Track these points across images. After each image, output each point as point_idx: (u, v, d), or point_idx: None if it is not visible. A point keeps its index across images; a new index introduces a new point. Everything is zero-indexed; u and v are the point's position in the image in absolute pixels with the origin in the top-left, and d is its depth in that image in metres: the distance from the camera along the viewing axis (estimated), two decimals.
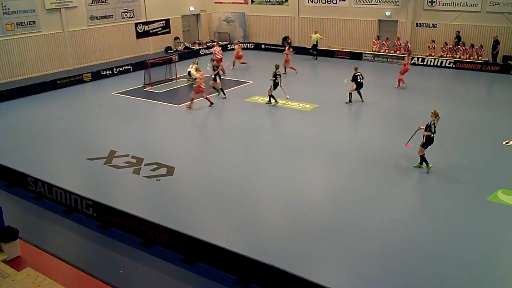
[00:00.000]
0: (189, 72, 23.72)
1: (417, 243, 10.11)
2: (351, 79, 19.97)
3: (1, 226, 9.73)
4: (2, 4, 24.71)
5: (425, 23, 28.97)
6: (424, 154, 13.48)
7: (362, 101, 20.28)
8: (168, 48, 33.59)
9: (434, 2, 28.25)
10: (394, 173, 13.56)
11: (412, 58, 28.03)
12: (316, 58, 30.67)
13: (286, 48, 26.60)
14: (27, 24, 26.06)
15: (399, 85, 22.90)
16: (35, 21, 26.35)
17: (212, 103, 20.35)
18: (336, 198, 12.22)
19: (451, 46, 27.84)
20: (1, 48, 25.03)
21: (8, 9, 25.07)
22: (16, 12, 25.42)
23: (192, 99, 20.22)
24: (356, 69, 20.11)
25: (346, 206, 11.71)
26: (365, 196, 12.19)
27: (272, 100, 20.33)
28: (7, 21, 25.17)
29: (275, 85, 20.03)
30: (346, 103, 20.07)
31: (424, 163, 13.55)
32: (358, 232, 10.55)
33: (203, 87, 19.88)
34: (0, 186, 13.13)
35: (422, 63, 27.79)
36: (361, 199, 12.00)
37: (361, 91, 20.23)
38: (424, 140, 13.34)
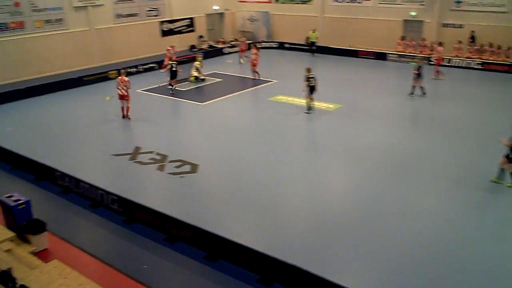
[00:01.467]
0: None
1: (445, 250, 9.99)
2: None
3: (30, 219, 9.96)
4: (30, 1, 25.23)
5: (451, 24, 28.55)
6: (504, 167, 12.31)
7: (309, 112, 18.83)
8: (192, 47, 33.82)
9: (461, 2, 27.82)
10: (421, 176, 13.43)
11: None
12: (313, 55, 31.63)
13: (253, 52, 24.71)
14: (55, 22, 26.57)
15: (437, 76, 23.36)
16: (62, 19, 26.86)
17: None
18: (359, 199, 12.16)
19: (478, 47, 27.40)
20: (30, 45, 25.57)
21: (37, 6, 25.60)
22: (44, 9, 25.95)
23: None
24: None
25: (370, 208, 11.62)
26: (390, 199, 12.10)
27: (311, 104, 19.09)
28: (36, 18, 25.71)
29: (311, 89, 18.82)
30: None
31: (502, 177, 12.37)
32: (383, 235, 10.49)
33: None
34: (29, 180, 13.44)
35: (448, 64, 27.39)
36: (386, 202, 11.92)
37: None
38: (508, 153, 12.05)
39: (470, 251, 9.86)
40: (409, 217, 11.15)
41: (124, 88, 18.01)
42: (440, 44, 25.19)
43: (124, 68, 18.81)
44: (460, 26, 28.17)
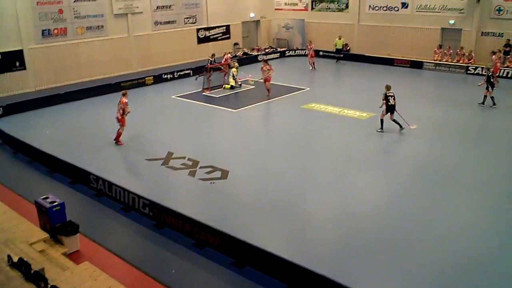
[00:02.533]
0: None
1: (477, 263, 9.75)
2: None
3: (64, 221, 10.20)
4: (74, 9, 26.04)
5: (491, 32, 27.81)
6: None
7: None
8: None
9: (502, 10, 27.09)
10: (457, 190, 13.11)
11: (476, 68, 27.10)
12: (337, 61, 32.24)
13: (265, 68, 23.12)
14: (96, 28, 27.32)
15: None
16: (103, 26, 27.59)
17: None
18: (392, 212, 11.93)
19: None
20: (71, 51, 26.36)
21: (79, 13, 26.39)
22: (86, 16, 26.72)
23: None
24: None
25: (402, 222, 11.40)
26: (422, 212, 11.84)
27: (395, 121, 17.57)
28: (78, 25, 26.50)
29: (389, 108, 17.35)
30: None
31: None
32: (411, 247, 10.28)
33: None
34: (65, 182, 13.82)
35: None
36: (417, 215, 11.67)
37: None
38: None
39: (502, 270, 9.54)
40: (443, 234, 10.88)
41: (120, 110, 16.34)
42: (494, 53, 24.39)
43: (124, 90, 16.27)
44: (500, 35, 27.41)
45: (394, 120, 17.47)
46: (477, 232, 10.94)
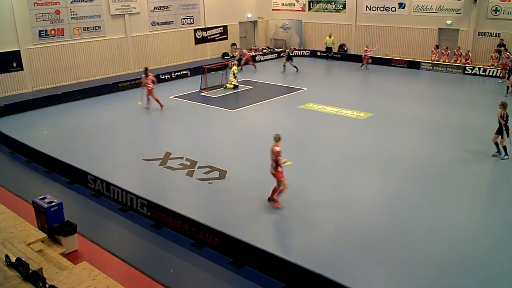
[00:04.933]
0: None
1: (476, 262, 9.77)
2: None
3: (61, 221, 10.19)
4: (71, 9, 26.00)
5: (488, 32, 27.89)
6: None
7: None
8: (224, 54, 34.15)
9: (499, 10, 27.16)
10: (454, 188, 13.15)
11: (473, 68, 27.19)
12: (328, 59, 33.09)
13: (145, 78, 20.97)
14: (93, 29, 27.28)
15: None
16: (100, 26, 27.55)
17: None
18: (389, 210, 11.95)
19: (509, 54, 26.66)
20: (68, 52, 26.31)
21: (76, 14, 26.35)
22: (83, 17, 26.67)
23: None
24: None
25: (400, 220, 11.43)
26: (421, 210, 11.86)
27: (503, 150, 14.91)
28: (75, 26, 26.45)
29: (508, 130, 14.64)
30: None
31: None
32: (412, 247, 10.29)
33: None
34: (62, 183, 13.79)
35: (484, 74, 26.77)
36: (416, 213, 11.70)
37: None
38: None
39: (500, 269, 9.57)
40: (440, 231, 10.91)
41: (273, 163, 12.01)
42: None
43: (277, 134, 12.19)
44: (497, 35, 27.48)
45: (504, 146, 14.81)
46: (477, 232, 10.96)
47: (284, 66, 29.05)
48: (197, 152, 15.88)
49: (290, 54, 29.38)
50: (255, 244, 9.51)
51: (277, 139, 11.84)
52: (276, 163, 11.71)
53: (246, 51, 31.26)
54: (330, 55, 33.18)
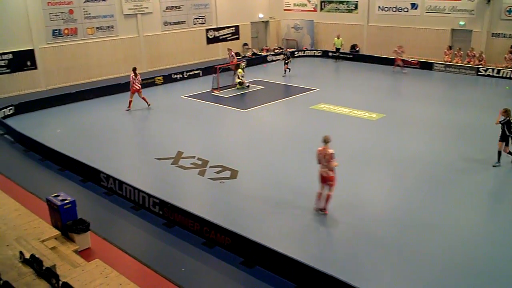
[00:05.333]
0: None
1: (484, 266, 9.70)
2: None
3: (75, 218, 10.30)
4: (84, 9, 26.22)
5: (501, 33, 27.63)
6: None
7: None
8: (236, 54, 34.14)
9: None
10: (464, 191, 13.06)
11: (487, 69, 26.95)
12: (336, 61, 32.52)
13: (133, 78, 21.07)
14: (106, 29, 27.49)
15: None
16: (113, 26, 27.75)
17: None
18: (401, 211, 11.90)
19: None
20: (82, 51, 26.55)
21: (89, 14, 26.57)
22: (97, 17, 26.89)
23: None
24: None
25: (412, 221, 11.37)
26: (433, 212, 11.80)
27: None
28: (88, 26, 26.68)
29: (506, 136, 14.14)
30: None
31: None
32: (422, 249, 10.24)
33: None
34: (76, 181, 13.92)
35: (497, 75, 26.52)
36: (428, 215, 11.63)
37: None
38: None
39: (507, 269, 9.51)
40: (449, 230, 10.85)
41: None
42: None
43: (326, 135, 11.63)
44: (511, 36, 27.21)
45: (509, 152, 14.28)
46: (486, 233, 10.89)
47: (285, 70, 28.17)
48: (208, 152, 15.93)
49: (288, 56, 28.49)
50: (267, 244, 9.52)
51: (327, 140, 11.29)
52: (329, 166, 11.17)
53: (233, 53, 29.07)
54: (338, 55, 32.74)
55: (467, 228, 11.07)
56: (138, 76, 21.11)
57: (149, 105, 21.47)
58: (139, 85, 21.12)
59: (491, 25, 27.88)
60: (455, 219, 11.39)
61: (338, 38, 32.24)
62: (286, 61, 28.01)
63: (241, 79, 24.97)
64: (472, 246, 10.34)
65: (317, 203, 11.71)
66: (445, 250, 10.13)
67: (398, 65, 28.51)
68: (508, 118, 14.00)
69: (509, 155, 14.33)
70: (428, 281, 9.13)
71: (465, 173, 14.01)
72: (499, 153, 14.25)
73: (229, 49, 29.00)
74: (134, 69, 21.39)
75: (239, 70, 25.21)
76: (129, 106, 21.27)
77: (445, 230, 10.92)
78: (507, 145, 14.13)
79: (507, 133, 14.04)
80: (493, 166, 14.22)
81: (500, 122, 14.16)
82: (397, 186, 13.48)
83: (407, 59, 28.91)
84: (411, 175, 13.97)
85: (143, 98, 21.38)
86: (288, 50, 31.36)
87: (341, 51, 32.60)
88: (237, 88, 24.94)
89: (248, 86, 25.12)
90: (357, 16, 33.82)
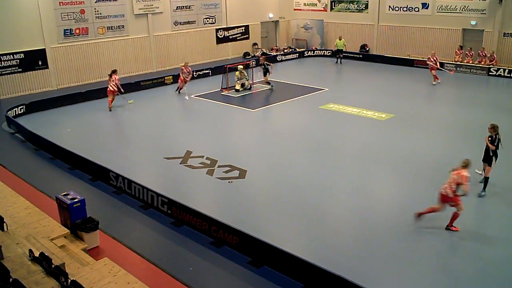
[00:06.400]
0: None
1: (496, 270, 9.63)
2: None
3: (84, 217, 10.35)
4: (95, 9, 26.39)
5: None
6: None
7: None
8: (246, 54, 34.21)
9: None
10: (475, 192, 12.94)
11: (498, 69, 26.72)
12: (337, 62, 31.69)
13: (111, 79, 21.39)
14: (117, 28, 27.63)
15: None
16: (124, 26, 27.89)
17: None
18: (408, 213, 11.79)
19: None
20: (93, 50, 26.72)
21: (100, 14, 26.72)
22: (107, 16, 27.04)
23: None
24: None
25: (419, 222, 11.29)
26: (440, 214, 11.71)
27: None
28: (99, 25, 26.84)
29: (496, 157, 12.66)
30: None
31: None
32: (429, 250, 10.20)
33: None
34: (85, 179, 14.01)
35: (509, 75, 26.28)
36: (435, 217, 11.54)
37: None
38: None
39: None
40: (458, 234, 10.78)
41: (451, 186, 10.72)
42: None
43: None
44: None
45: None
46: (486, 232, 10.80)
47: (269, 84, 24.86)
48: (217, 151, 15.96)
49: (267, 66, 24.92)
50: (274, 244, 9.52)
51: (466, 164, 10.76)
52: (456, 188, 10.60)
53: (184, 69, 24.04)
54: (340, 56, 31.61)
55: (476, 227, 10.98)
56: (113, 77, 21.25)
57: (110, 109, 21.38)
58: (114, 87, 21.19)
59: (503, 25, 27.63)
60: (466, 221, 11.30)
61: (340, 39, 31.35)
62: (265, 73, 24.87)
63: (238, 83, 24.53)
64: (477, 247, 10.26)
65: (421, 214, 11.13)
66: (452, 251, 10.07)
67: (435, 76, 25.03)
68: (497, 135, 12.34)
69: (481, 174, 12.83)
70: (436, 281, 9.08)
71: (476, 174, 13.87)
72: (486, 180, 12.55)
73: (185, 63, 24.70)
74: (113, 72, 21.52)
75: (236, 72, 24.72)
76: (110, 106, 21.47)
77: (452, 233, 10.84)
78: (489, 165, 12.53)
79: (491, 154, 12.44)
80: (479, 196, 12.41)
81: (494, 145, 12.32)
82: (406, 186, 13.38)
83: (442, 69, 25.97)
84: (420, 175, 13.87)
85: (110, 101, 21.48)
86: (266, 61, 25.44)
87: (344, 52, 31.79)
88: (239, 90, 24.41)
89: (250, 88, 24.90)
90: (367, 16, 33.68)
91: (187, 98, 22.84)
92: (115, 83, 21.22)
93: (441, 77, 25.32)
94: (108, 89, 21.41)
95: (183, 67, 23.86)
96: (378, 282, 9.06)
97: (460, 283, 9.08)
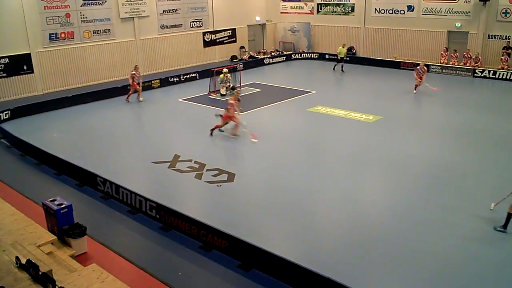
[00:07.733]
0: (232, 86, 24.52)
1: (481, 272, 9.70)
2: None
3: (71, 223, 10.25)
4: (81, 13, 26.21)
5: (497, 35, 27.75)
6: None
7: None
8: (233, 57, 34.23)
9: (509, 13, 27.03)
10: (463, 194, 13.07)
11: (483, 71, 27.04)
12: (341, 70, 29.79)
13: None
14: (103, 32, 27.48)
15: None
16: (110, 29, 27.75)
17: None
18: (397, 214, 11.91)
19: None
20: (78, 55, 26.53)
21: (86, 17, 26.55)
22: (93, 20, 26.88)
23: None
24: None
25: (407, 224, 11.38)
26: (428, 215, 11.80)
27: None
28: (85, 29, 26.67)
29: None
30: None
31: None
32: (418, 252, 10.25)
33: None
34: (72, 185, 13.89)
35: (494, 77, 26.62)
36: (424, 218, 11.64)
37: None
38: None
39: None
40: (448, 234, 10.86)
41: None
42: None
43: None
44: (507, 38, 27.33)
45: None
46: (478, 234, 10.89)
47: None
48: (205, 155, 15.92)
49: (231, 85, 24.52)
50: (263, 247, 9.51)
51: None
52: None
53: (135, 73, 23.26)
54: (342, 64, 29.86)
55: (465, 230, 11.07)
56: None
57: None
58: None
59: (487, 26, 28.00)
60: (457, 221, 11.39)
61: (343, 47, 29.77)
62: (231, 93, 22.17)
63: (223, 86, 24.38)
64: (471, 247, 10.34)
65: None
66: (442, 252, 10.14)
67: (417, 86, 23.96)
68: None
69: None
70: (426, 283, 9.13)
71: (464, 176, 14.02)
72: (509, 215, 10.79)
73: (135, 67, 23.91)
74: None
75: (221, 75, 24.45)
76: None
77: (443, 233, 10.91)
78: None
79: None
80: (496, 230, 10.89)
81: None
82: (393, 188, 13.48)
83: (427, 84, 23.87)
84: (408, 177, 13.98)
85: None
86: (236, 87, 24.82)
87: (334, 55, 30.75)
88: (222, 95, 24.13)
89: (224, 94, 24.05)
90: (354, 19, 33.91)
91: (141, 100, 23.37)
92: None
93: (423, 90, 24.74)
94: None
95: (134, 72, 23.13)
96: (368, 284, 9.09)
97: (453, 282, 9.14)
